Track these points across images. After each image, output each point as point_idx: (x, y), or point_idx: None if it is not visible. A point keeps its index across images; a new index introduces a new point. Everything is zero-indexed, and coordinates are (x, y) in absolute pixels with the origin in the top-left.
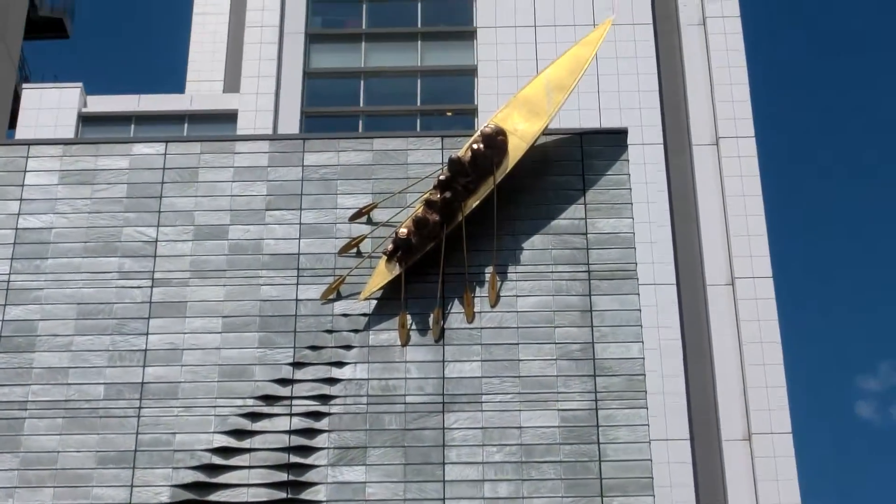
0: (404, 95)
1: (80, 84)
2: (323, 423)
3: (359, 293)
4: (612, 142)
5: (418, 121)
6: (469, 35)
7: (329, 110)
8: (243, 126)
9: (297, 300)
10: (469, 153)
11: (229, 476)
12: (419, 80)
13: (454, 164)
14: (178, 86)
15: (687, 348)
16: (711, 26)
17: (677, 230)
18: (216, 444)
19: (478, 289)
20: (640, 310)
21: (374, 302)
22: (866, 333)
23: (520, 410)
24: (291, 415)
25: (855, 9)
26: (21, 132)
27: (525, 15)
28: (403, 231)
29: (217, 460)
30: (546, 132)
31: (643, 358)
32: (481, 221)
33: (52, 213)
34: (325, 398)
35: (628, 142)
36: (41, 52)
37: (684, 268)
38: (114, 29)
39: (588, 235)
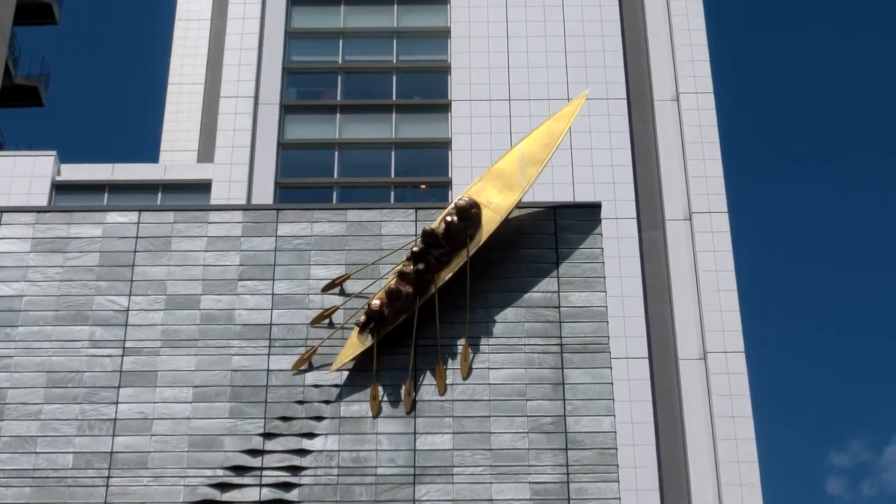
0: (378, 167)
1: (53, 152)
2: (293, 495)
3: (330, 364)
4: (585, 216)
5: (392, 192)
6: (443, 108)
7: (303, 181)
8: (217, 196)
9: (268, 370)
10: (443, 225)
11: None
12: (393, 152)
13: (428, 235)
14: (152, 155)
15: (659, 422)
16: (685, 102)
17: (650, 304)
18: None
19: (450, 361)
20: (612, 383)
21: (346, 373)
22: (838, 409)
23: (491, 483)
24: (262, 486)
25: (820, 84)
26: None
27: (500, 88)
28: (376, 302)
29: None
30: (520, 205)
31: (615, 432)
32: (454, 293)
33: (23, 281)
34: (295, 469)
35: (602, 216)
36: (15, 119)
37: (657, 341)
38: (89, 97)
39: (561, 309)
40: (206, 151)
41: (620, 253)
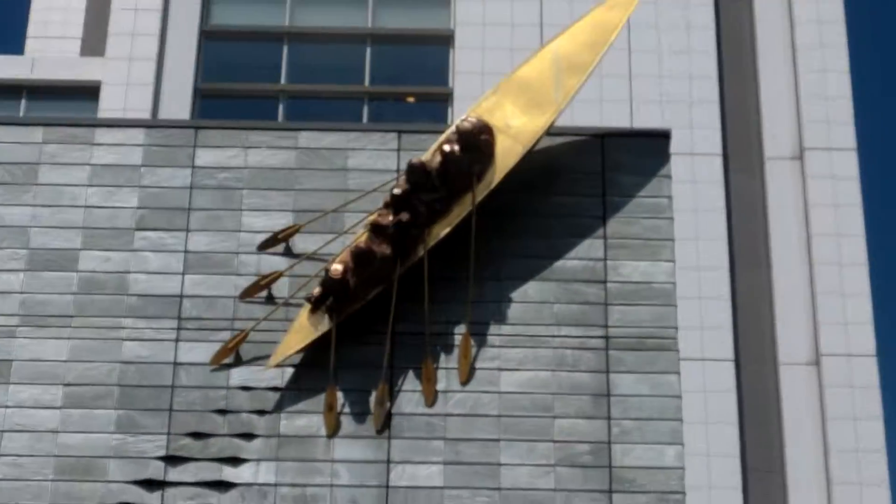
0: (346, 70)
1: None
2: None
3: (267, 357)
4: (647, 150)
5: (365, 107)
6: None
7: (235, 87)
8: (108, 106)
9: (175, 364)
10: (438, 157)
11: None
12: (368, 49)
13: (416, 172)
14: (13, 44)
15: (748, 455)
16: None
17: (739, 282)
18: None
19: (443, 357)
20: (680, 396)
21: (290, 371)
22: None
23: None
24: None
25: None
26: None
27: None
28: (338, 268)
29: None
30: (552, 131)
31: (683, 468)
32: (452, 259)
33: None
34: None
35: (671, 150)
36: None
37: (747, 338)
38: None
39: (608, 285)
40: (93, 41)
41: (698, 205)
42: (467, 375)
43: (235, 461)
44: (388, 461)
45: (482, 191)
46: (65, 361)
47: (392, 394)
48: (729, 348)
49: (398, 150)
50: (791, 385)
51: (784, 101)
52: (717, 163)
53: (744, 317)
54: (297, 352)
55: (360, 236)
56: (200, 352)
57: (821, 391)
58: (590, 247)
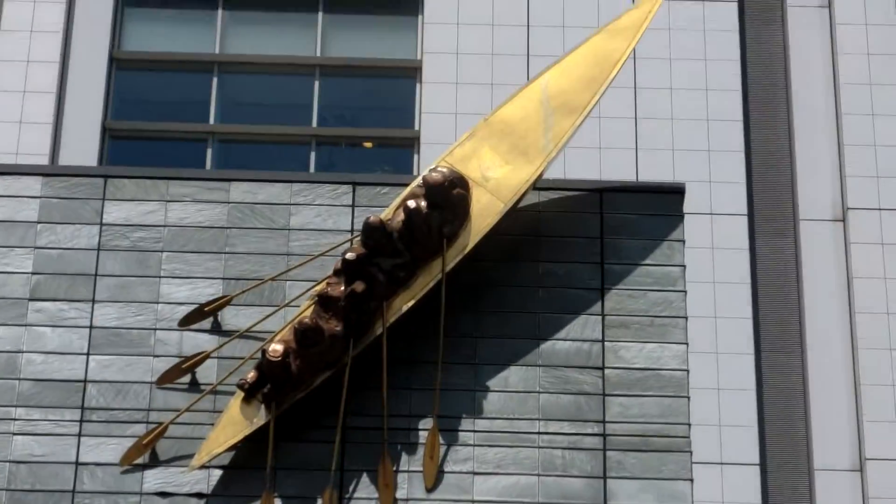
0: (290, 108)
1: None
2: None
3: (191, 456)
4: (655, 207)
5: (312, 154)
6: (410, 6)
7: (153, 127)
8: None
9: (77, 464)
10: (401, 214)
11: None
12: (316, 83)
13: (374, 232)
14: None
15: None
16: (841, 4)
17: (766, 369)
18: None
19: (404, 458)
20: None
21: (218, 473)
22: None
23: None
24: None
25: None
26: None
27: None
28: (277, 349)
29: None
30: (540, 185)
31: None
32: (417, 338)
33: None
34: None
35: (686, 209)
36: None
37: (777, 439)
38: None
39: (606, 371)
40: None
41: (716, 276)
42: (434, 480)
43: None
44: None
45: (454, 256)
46: None
47: (342, 502)
48: (754, 451)
49: (353, 205)
50: (829, 495)
51: (824, 150)
52: (743, 224)
53: (773, 413)
54: (227, 450)
55: (305, 310)
56: (108, 449)
57: (864, 496)
58: (584, 325)
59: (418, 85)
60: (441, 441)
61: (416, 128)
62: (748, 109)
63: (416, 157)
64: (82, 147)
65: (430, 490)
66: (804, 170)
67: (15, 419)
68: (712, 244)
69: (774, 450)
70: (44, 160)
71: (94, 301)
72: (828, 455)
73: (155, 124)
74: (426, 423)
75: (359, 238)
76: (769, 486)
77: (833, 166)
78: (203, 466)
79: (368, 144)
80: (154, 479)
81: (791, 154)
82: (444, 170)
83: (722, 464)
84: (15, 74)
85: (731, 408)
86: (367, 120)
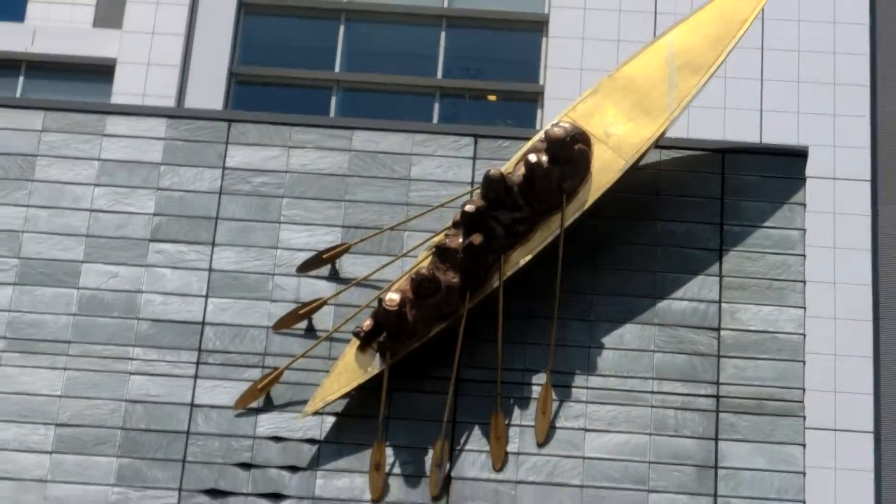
0: (415, 59)
1: None
2: None
3: (304, 402)
4: (778, 170)
5: (436, 105)
6: None
7: (279, 73)
8: (124, 89)
9: (192, 405)
10: (522, 169)
11: None
12: (442, 33)
13: (494, 185)
14: (12, 8)
15: None
16: None
17: (885, 337)
18: None
19: (517, 411)
20: (804, 473)
21: (331, 420)
22: None
23: None
24: None
25: None
26: None
27: None
28: (394, 297)
29: None
30: (662, 143)
31: None
32: (532, 293)
33: None
34: None
35: (808, 172)
36: None
37: (892, 408)
38: None
39: (722, 332)
40: (108, 9)
41: (836, 241)
42: (545, 435)
43: None
44: None
45: (573, 212)
46: (59, 397)
47: (453, 454)
48: (869, 418)
49: (474, 157)
50: None
51: None
52: (865, 190)
53: (889, 381)
54: (341, 397)
55: (423, 260)
56: (223, 392)
57: None
58: (702, 285)
59: (544, 39)
60: (554, 397)
61: (541, 82)
62: (875, 74)
63: (539, 111)
64: (208, 91)
65: (541, 445)
66: None
67: (132, 359)
68: (834, 209)
69: (889, 418)
70: (170, 102)
71: (213, 244)
72: None
73: (281, 70)
74: (540, 378)
75: (479, 190)
76: (882, 454)
77: None
78: (317, 413)
79: (492, 97)
80: (268, 423)
81: None
82: (567, 125)
83: (836, 430)
84: (145, 15)
85: (847, 374)
86: (492, 73)
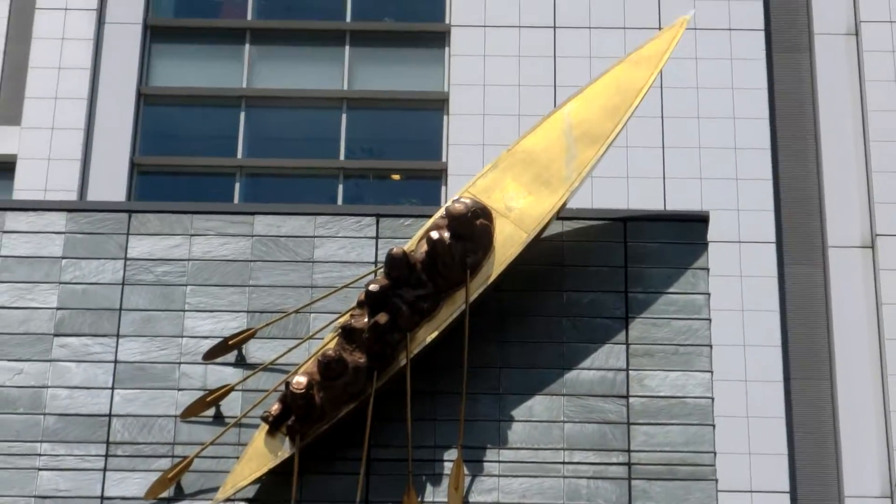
0: (317, 141)
1: None
2: None
3: (216, 490)
4: (680, 235)
5: (340, 186)
6: (436, 38)
7: (181, 163)
8: (24, 185)
9: (102, 498)
10: (424, 246)
11: None
12: (344, 115)
13: (397, 264)
14: None
15: None
16: (869, 35)
17: (796, 396)
18: None
19: (430, 488)
20: None
21: None
22: None
23: None
24: None
25: None
26: None
27: (535, 5)
28: (301, 381)
29: None
30: (563, 215)
31: None
32: (441, 369)
33: None
34: None
35: (711, 237)
36: None
37: (808, 468)
38: None
39: (630, 400)
40: (7, 106)
41: (744, 304)
42: None
43: None
44: None
45: (477, 287)
46: None
47: None
48: (784, 479)
49: (376, 237)
50: None
51: (852, 177)
52: (771, 252)
53: (802, 441)
54: (252, 483)
55: (329, 342)
56: (133, 484)
57: None
58: (609, 354)
59: (445, 117)
60: (466, 472)
61: (444, 159)
62: (776, 137)
63: (444, 188)
64: (111, 183)
65: None
66: (832, 197)
67: (40, 454)
68: (741, 272)
69: (805, 477)
70: (72, 196)
71: (118, 336)
72: (858, 483)
73: (183, 159)
74: (451, 454)
75: (382, 270)
76: None
77: (861, 193)
78: (228, 500)
79: (396, 177)
80: None
81: (819, 181)
82: (467, 200)
83: (752, 492)
84: (43, 111)
85: (760, 436)
86: (395, 152)
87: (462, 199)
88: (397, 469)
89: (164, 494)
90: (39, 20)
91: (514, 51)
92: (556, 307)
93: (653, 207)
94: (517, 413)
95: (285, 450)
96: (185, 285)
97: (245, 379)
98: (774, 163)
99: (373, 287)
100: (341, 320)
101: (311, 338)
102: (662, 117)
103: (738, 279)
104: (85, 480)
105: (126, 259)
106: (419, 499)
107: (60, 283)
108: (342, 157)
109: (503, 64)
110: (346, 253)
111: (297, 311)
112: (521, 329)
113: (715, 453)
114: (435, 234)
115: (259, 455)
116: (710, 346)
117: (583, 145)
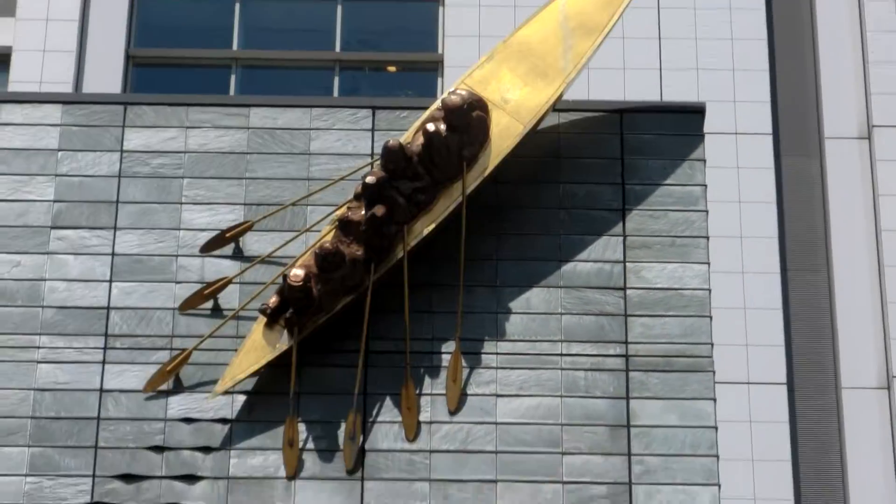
0: (313, 33)
1: None
2: None
3: (214, 382)
4: (677, 127)
5: (335, 79)
6: None
7: (176, 54)
8: (18, 77)
9: (101, 391)
10: (420, 138)
11: None
12: (339, 6)
13: (393, 156)
14: None
15: (803, 500)
16: None
17: (793, 288)
18: None
19: (427, 380)
20: (716, 427)
21: (242, 399)
22: None
23: None
24: None
25: None
26: None
27: None
28: (298, 273)
29: None
30: (559, 106)
31: None
32: (437, 261)
33: None
34: None
35: (707, 128)
36: None
37: (803, 359)
38: None
39: (628, 292)
40: None
41: (741, 195)
42: (457, 403)
43: None
44: None
45: (474, 179)
46: None
47: (365, 426)
48: (781, 370)
49: (372, 129)
50: (856, 413)
51: (849, 69)
52: (767, 143)
53: (799, 332)
54: (250, 375)
55: (326, 234)
56: (132, 376)
57: (891, 418)
58: (605, 246)
59: (441, 8)
60: (464, 364)
61: (440, 51)
62: (772, 27)
63: (440, 80)
64: (106, 75)
65: (453, 413)
66: (829, 88)
67: (39, 347)
68: (737, 163)
69: (801, 369)
70: (68, 88)
71: (115, 228)
72: (855, 374)
73: (178, 51)
74: (449, 347)
75: (379, 162)
76: (796, 404)
77: (858, 84)
78: (227, 392)
79: (392, 69)
80: (178, 405)
81: (816, 72)
82: (463, 92)
83: (749, 383)
84: (38, 2)
85: (757, 327)
86: (391, 44)
87: (458, 91)
88: (395, 361)
89: (163, 387)
90: None
91: None
92: (553, 199)
93: (649, 99)
94: (514, 305)
95: (283, 342)
96: (182, 178)
97: (243, 272)
98: (771, 54)
99: (370, 179)
100: (338, 213)
101: (308, 230)
102: (658, 8)
103: (734, 171)
104: (84, 373)
105: (122, 151)
106: (417, 391)
107: (57, 175)
108: (338, 48)
109: None
110: (343, 145)
111: (293, 204)
112: (517, 221)
113: (712, 345)
114: (431, 127)
115: (257, 348)
116: (707, 238)
117: (579, 36)
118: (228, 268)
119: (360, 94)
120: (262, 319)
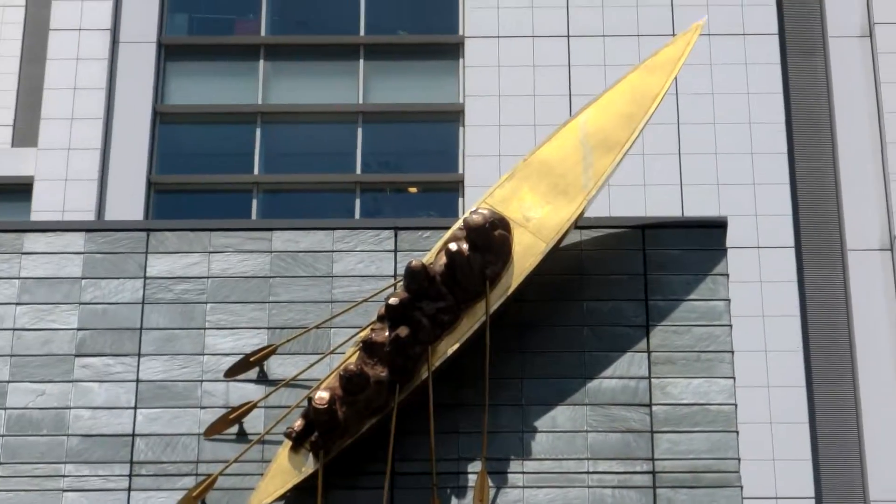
0: (334, 156)
1: None
2: None
3: None
4: (699, 241)
5: (357, 201)
6: (451, 50)
7: (197, 180)
8: (42, 206)
9: None
10: (443, 258)
11: None
12: (360, 129)
13: (416, 276)
14: None
15: None
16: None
17: (819, 403)
18: None
19: (454, 500)
20: None
21: None
22: None
23: None
24: None
25: None
26: None
27: (550, 16)
28: (323, 396)
29: None
30: (581, 223)
31: None
32: (463, 381)
33: None
34: None
35: (729, 242)
36: None
37: (833, 472)
38: None
39: (654, 408)
40: (25, 128)
41: (764, 309)
42: None
43: None
44: None
45: (497, 298)
46: None
47: None
48: (809, 484)
49: (395, 250)
50: None
51: (870, 180)
52: (790, 256)
53: (827, 445)
54: (277, 500)
55: (350, 357)
56: (158, 503)
57: None
58: (630, 362)
59: (461, 128)
60: (490, 483)
61: (460, 171)
62: (792, 141)
63: (461, 200)
64: (128, 202)
65: None
66: (850, 200)
67: (65, 475)
68: (760, 277)
69: (829, 482)
70: (90, 216)
71: (139, 355)
72: (884, 486)
73: (200, 177)
74: (475, 466)
75: (402, 283)
76: None
77: (879, 195)
78: None
79: (413, 189)
80: None
81: (836, 185)
82: (485, 211)
83: (777, 498)
84: (60, 132)
85: (784, 441)
86: (411, 165)
87: (480, 210)
88: (421, 482)
89: None
90: (54, 41)
91: (529, 61)
92: (577, 316)
93: (670, 214)
94: (540, 424)
95: (309, 465)
96: (206, 303)
97: (267, 395)
98: (791, 167)
99: (393, 300)
100: (362, 334)
101: (332, 353)
102: (678, 124)
103: (757, 284)
104: (110, 500)
105: (145, 278)
106: None
107: (80, 303)
108: (359, 170)
109: (517, 74)
110: (365, 267)
111: (317, 327)
112: (541, 339)
113: (739, 460)
114: (454, 246)
115: (283, 471)
116: (732, 353)
117: (599, 153)
118: (253, 392)
119: (381, 216)
120: (288, 443)
